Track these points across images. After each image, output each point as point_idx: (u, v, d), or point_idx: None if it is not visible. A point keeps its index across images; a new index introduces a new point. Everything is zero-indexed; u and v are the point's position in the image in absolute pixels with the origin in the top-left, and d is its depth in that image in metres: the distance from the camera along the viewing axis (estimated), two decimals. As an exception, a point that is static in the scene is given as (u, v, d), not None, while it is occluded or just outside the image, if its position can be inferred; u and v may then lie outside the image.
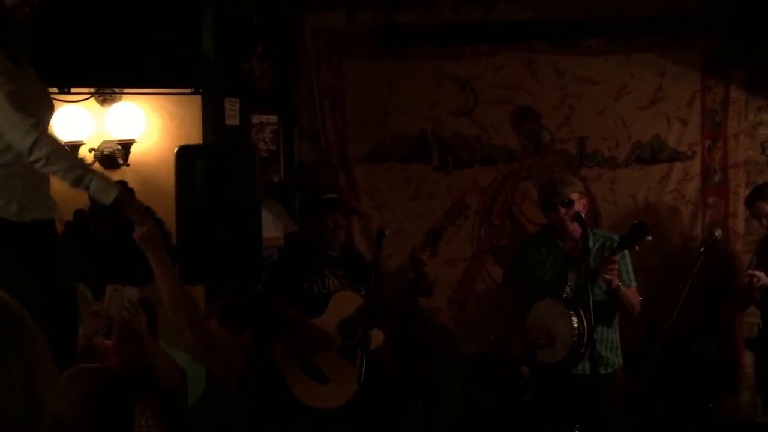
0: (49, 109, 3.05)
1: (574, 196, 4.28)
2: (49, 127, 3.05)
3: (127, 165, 4.88)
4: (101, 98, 4.63)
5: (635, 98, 5.49)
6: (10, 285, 2.72)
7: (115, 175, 4.60)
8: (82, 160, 2.92)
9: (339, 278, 4.27)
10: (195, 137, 4.96)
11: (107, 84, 4.04)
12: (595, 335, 4.06)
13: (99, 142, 4.85)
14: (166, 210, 4.41)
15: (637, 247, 4.19)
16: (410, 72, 5.52)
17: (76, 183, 2.74)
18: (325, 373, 4.08)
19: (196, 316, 2.96)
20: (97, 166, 4.80)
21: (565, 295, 4.21)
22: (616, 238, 4.28)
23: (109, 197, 2.76)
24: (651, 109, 5.49)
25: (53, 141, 2.76)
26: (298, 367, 4.05)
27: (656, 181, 5.51)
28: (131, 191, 4.71)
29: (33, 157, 2.69)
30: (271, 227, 4.86)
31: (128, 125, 4.81)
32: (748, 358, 5.33)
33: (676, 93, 5.47)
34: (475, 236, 5.49)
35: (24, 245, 2.82)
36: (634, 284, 4.34)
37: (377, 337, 4.04)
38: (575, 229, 4.25)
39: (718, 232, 4.82)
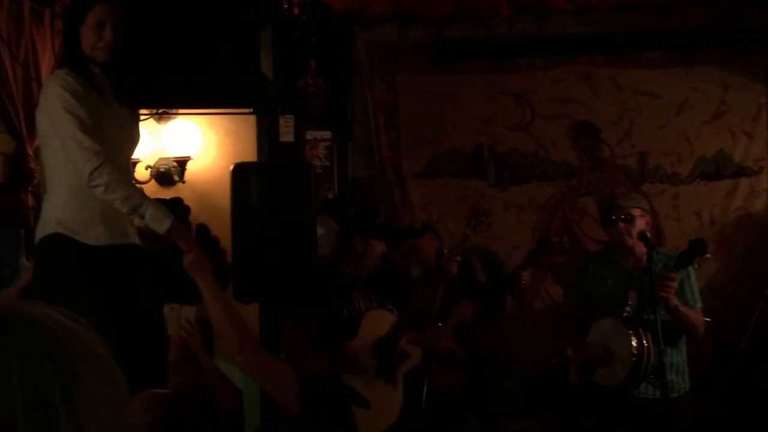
0: (132, 142, 3.17)
1: (636, 212, 4.23)
2: (130, 157, 3.20)
3: (183, 182, 5.02)
4: (158, 116, 4.78)
5: (698, 112, 5.49)
6: (83, 310, 2.86)
7: (171, 192, 4.75)
8: (140, 190, 3.01)
9: (371, 300, 4.29)
10: (250, 154, 5.09)
11: (167, 105, 4.19)
12: (664, 359, 3.99)
13: (155, 159, 5.01)
14: (221, 227, 4.53)
15: (697, 265, 4.13)
16: (464, 86, 5.60)
17: (133, 211, 2.86)
18: (366, 397, 4.06)
19: (247, 342, 3.00)
20: (153, 183, 4.96)
21: (625, 315, 4.15)
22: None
23: (162, 227, 2.86)
24: (714, 123, 5.48)
25: (114, 170, 2.86)
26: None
27: (721, 198, 5.48)
28: (187, 208, 4.87)
29: (93, 183, 2.81)
30: (327, 244, 4.93)
31: (184, 142, 4.96)
32: None
33: (740, 106, 5.46)
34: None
35: (100, 270, 2.92)
36: (699, 305, 4.24)
37: (416, 355, 4.08)
38: (635, 245, 4.22)
39: None
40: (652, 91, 5.50)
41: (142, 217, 2.85)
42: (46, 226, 2.95)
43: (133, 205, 2.85)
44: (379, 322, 4.14)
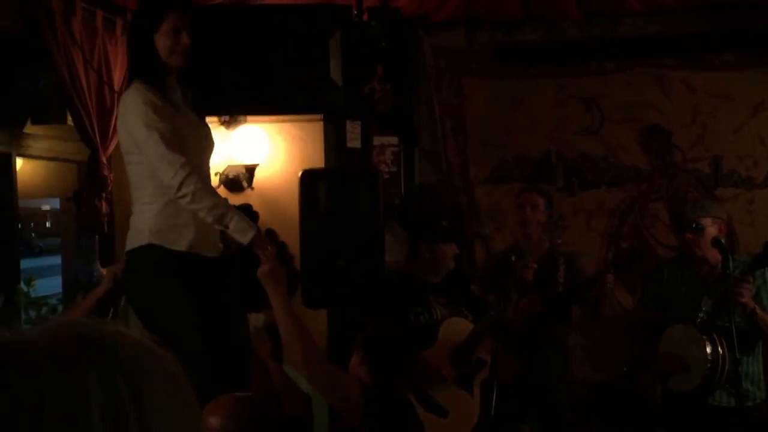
0: (209, 147, 3.30)
1: (706, 221, 4.21)
2: (208, 164, 3.31)
3: (252, 188, 5.15)
4: (226, 123, 4.91)
5: (774, 114, 5.41)
6: (178, 316, 3.00)
7: (240, 199, 4.87)
8: (225, 200, 3.09)
9: (447, 306, 4.35)
10: (317, 160, 5.20)
11: (235, 111, 4.31)
12: (739, 367, 3.94)
13: (224, 166, 5.14)
14: (289, 233, 4.64)
15: None
16: (533, 91, 5.61)
17: (218, 221, 2.97)
18: (444, 406, 4.12)
19: (313, 355, 3.08)
20: (222, 189, 5.09)
21: (698, 321, 4.17)
22: None
23: (246, 238, 2.98)
24: (792, 126, 5.40)
25: (199, 180, 2.98)
26: (416, 403, 4.09)
27: (799, 203, 5.38)
28: (256, 214, 4.99)
29: (180, 194, 2.93)
30: (393, 250, 5.00)
31: (253, 149, 5.09)
32: None
33: None
34: (602, 259, 5.49)
35: (192, 276, 3.05)
36: None
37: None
38: (708, 253, 4.19)
39: None
40: (727, 94, 5.43)
41: (227, 228, 2.96)
42: (138, 237, 3.08)
43: (219, 215, 2.96)
44: (456, 329, 4.21)
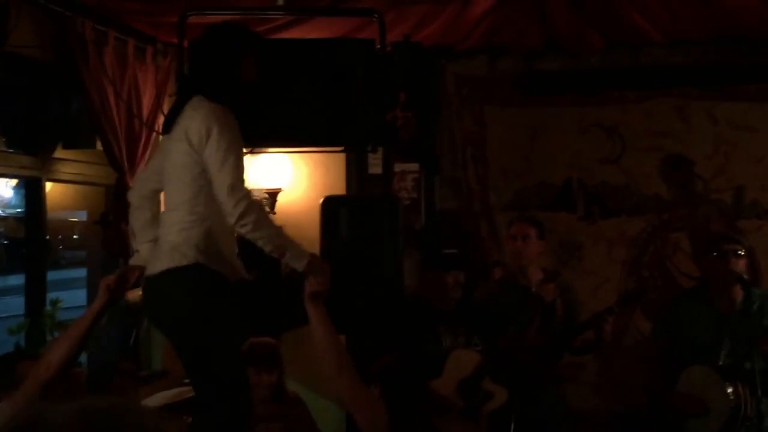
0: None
1: (742, 252, 4.41)
2: None
3: (274, 213, 5.46)
4: (251, 150, 5.24)
5: (797, 146, 5.63)
6: (226, 335, 3.20)
7: (262, 224, 5.17)
8: (281, 228, 3.23)
9: (456, 336, 4.52)
10: (339, 185, 5.52)
11: (262, 145, 4.60)
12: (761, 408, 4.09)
13: (247, 191, 5.47)
14: (310, 258, 4.93)
15: None
16: (554, 119, 5.88)
17: (276, 249, 3.13)
18: None
19: (346, 365, 3.24)
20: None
21: (720, 363, 4.28)
22: None
23: (302, 264, 3.17)
24: (814, 158, 5.62)
25: (261, 208, 3.18)
26: None
27: (821, 235, 5.59)
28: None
29: (242, 222, 3.06)
30: (410, 276, 5.26)
31: (275, 175, 5.42)
32: None
33: None
34: (622, 289, 5.68)
35: (234, 299, 3.23)
36: None
37: (500, 395, 4.24)
38: (732, 286, 4.35)
39: None
40: (749, 125, 5.69)
41: (283, 256, 3.14)
42: (180, 255, 3.17)
43: (278, 245, 3.13)
44: (463, 361, 4.35)
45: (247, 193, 3.11)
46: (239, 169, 3.11)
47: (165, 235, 3.27)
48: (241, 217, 3.06)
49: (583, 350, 4.72)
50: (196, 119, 3.14)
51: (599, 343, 4.61)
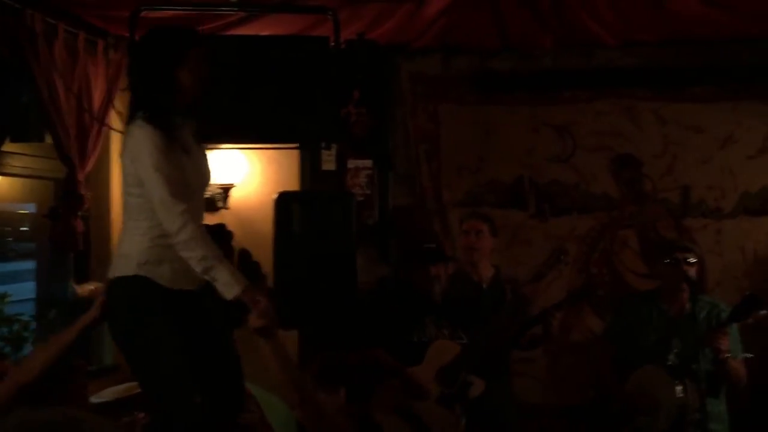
0: (207, 183, 3.49)
1: (693, 260, 4.58)
2: (204, 194, 3.48)
3: (227, 208, 5.51)
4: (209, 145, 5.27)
5: (743, 147, 5.83)
6: (162, 347, 3.17)
7: (215, 218, 5.21)
8: (218, 252, 3.16)
9: (442, 327, 4.66)
10: (292, 181, 5.58)
11: (217, 141, 4.64)
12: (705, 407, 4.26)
13: (200, 186, 5.50)
14: (263, 253, 4.99)
15: (751, 320, 4.37)
16: (507, 118, 5.99)
17: (205, 272, 3.10)
18: (425, 423, 4.43)
19: (306, 397, 3.25)
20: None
21: (669, 363, 4.41)
22: (722, 306, 4.54)
23: (230, 294, 3.08)
24: (760, 159, 5.82)
25: (196, 229, 3.12)
26: (398, 417, 4.40)
27: (766, 234, 5.79)
28: (230, 234, 5.35)
29: (176, 239, 3.10)
30: (366, 271, 5.36)
31: (229, 170, 5.46)
32: None
33: None
34: (572, 286, 5.76)
35: (177, 309, 3.20)
36: (741, 355, 4.53)
37: (478, 385, 4.39)
38: (683, 291, 4.51)
39: None
40: (696, 125, 5.86)
41: (214, 280, 3.09)
42: (126, 266, 3.22)
43: (207, 267, 3.09)
44: (444, 351, 4.53)
45: (183, 211, 3.10)
46: (170, 187, 3.10)
47: (119, 246, 3.35)
48: (176, 234, 3.10)
49: (531, 345, 4.87)
50: (131, 138, 3.20)
51: (547, 338, 4.77)
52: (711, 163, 5.88)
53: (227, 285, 3.10)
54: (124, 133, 3.33)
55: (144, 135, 3.15)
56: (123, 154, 3.27)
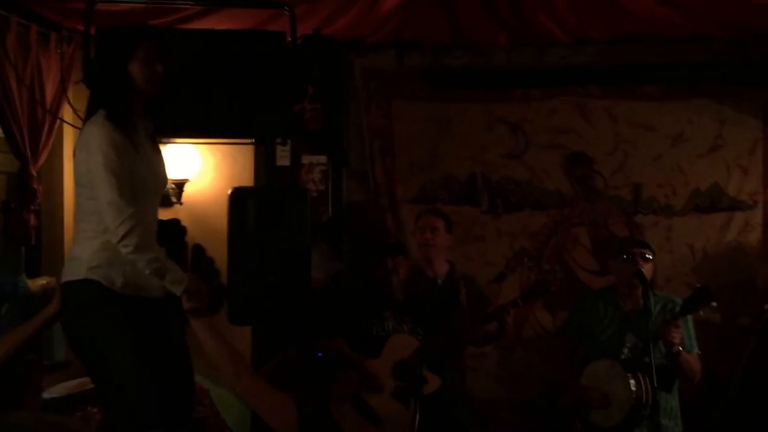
0: (163, 184, 3.52)
1: (650, 256, 4.69)
2: (160, 193, 3.53)
3: (180, 203, 5.54)
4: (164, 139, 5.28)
5: (693, 145, 5.93)
6: (113, 350, 3.20)
7: (169, 213, 5.22)
8: (163, 253, 3.23)
9: (402, 323, 4.75)
10: (247, 177, 5.62)
11: (171, 135, 4.66)
12: (658, 401, 4.27)
13: (153, 181, 5.52)
14: (217, 248, 5.00)
15: (702, 313, 4.53)
16: (460, 114, 6.08)
17: (155, 273, 3.18)
18: (378, 415, 4.53)
19: (243, 368, 3.28)
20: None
21: (623, 357, 4.53)
22: (678, 300, 4.61)
23: (179, 290, 3.19)
24: (710, 157, 5.92)
25: (143, 233, 3.17)
26: (352, 408, 4.52)
27: (715, 231, 5.91)
28: (184, 229, 5.36)
29: (123, 243, 3.13)
30: (319, 268, 5.41)
31: (183, 165, 5.48)
32: None
33: (736, 140, 5.89)
34: (524, 281, 5.85)
35: (128, 313, 3.24)
36: (696, 350, 4.62)
37: (433, 381, 4.46)
38: (637, 288, 4.54)
39: None
40: (647, 124, 5.96)
41: (162, 279, 3.18)
42: (76, 269, 3.25)
43: (156, 268, 3.17)
44: (402, 345, 4.62)
45: (131, 215, 3.14)
46: (119, 188, 3.13)
47: (72, 246, 3.37)
48: (122, 238, 3.13)
49: (487, 341, 4.98)
50: (85, 136, 3.22)
51: (502, 334, 4.85)
52: (662, 161, 5.97)
53: (176, 282, 3.19)
54: (79, 128, 3.37)
55: (100, 133, 3.16)
56: (77, 152, 3.27)
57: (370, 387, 4.55)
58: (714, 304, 4.44)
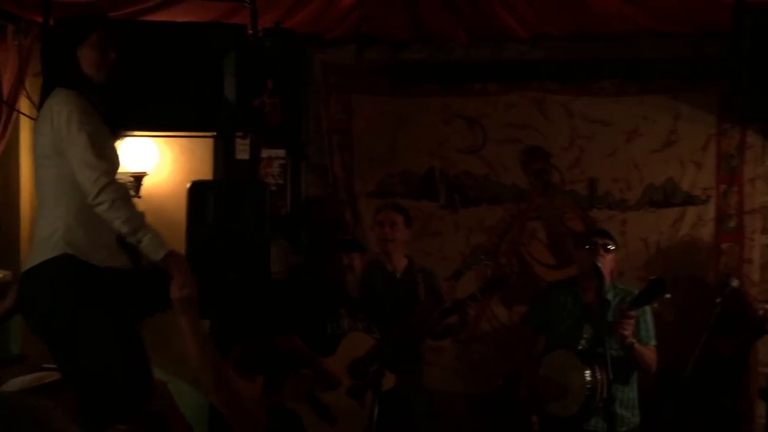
0: (118, 159, 3.50)
1: (612, 246, 4.78)
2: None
3: (139, 197, 5.53)
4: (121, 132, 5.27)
5: (648, 140, 6.02)
6: (94, 327, 3.19)
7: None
8: (142, 214, 3.20)
9: (357, 320, 4.78)
10: (205, 170, 5.64)
11: (130, 128, 4.67)
12: (612, 392, 4.40)
13: (111, 174, 5.52)
14: (175, 242, 5.01)
15: (656, 304, 4.63)
16: (419, 109, 6.13)
17: (131, 233, 3.13)
18: (333, 413, 4.58)
19: (223, 381, 3.21)
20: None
21: (579, 348, 4.60)
22: (636, 292, 4.67)
23: (158, 255, 3.14)
24: (664, 152, 6.00)
25: (121, 188, 3.18)
26: (307, 406, 4.55)
27: (669, 225, 5.99)
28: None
29: (98, 200, 3.10)
30: (279, 262, 5.45)
31: (141, 158, 5.49)
32: (761, 409, 5.72)
33: (690, 136, 5.97)
34: (481, 276, 5.73)
35: (107, 289, 3.23)
36: (653, 342, 4.71)
37: (388, 379, 4.48)
38: (594, 279, 4.63)
39: (735, 282, 5.07)
40: (603, 119, 6.03)
41: (139, 242, 3.13)
42: (51, 247, 3.21)
43: (133, 228, 3.12)
44: (358, 343, 4.66)
45: (106, 171, 3.12)
46: (92, 146, 3.12)
47: (37, 230, 3.33)
48: (97, 194, 3.09)
49: (446, 334, 5.07)
50: (49, 106, 3.23)
51: (464, 327, 4.97)
52: (617, 156, 6.04)
53: (153, 246, 3.13)
54: (34, 119, 3.37)
55: (67, 100, 3.18)
56: (40, 126, 3.26)
57: (324, 385, 4.58)
58: (668, 296, 4.50)
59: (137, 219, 3.18)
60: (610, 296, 4.65)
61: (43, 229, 3.28)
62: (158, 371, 4.91)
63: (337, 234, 5.21)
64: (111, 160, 3.32)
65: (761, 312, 5.10)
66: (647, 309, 4.68)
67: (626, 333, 4.46)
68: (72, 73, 3.29)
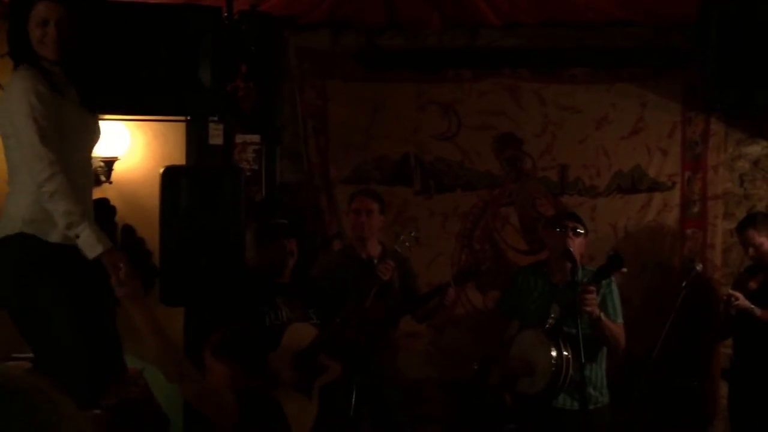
0: (91, 135, 3.32)
1: (581, 230, 4.59)
2: (91, 151, 3.36)
3: (110, 182, 5.14)
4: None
5: (617, 128, 5.84)
6: (51, 305, 3.02)
7: (98, 193, 4.81)
8: (84, 210, 3.05)
9: (294, 309, 4.42)
10: (178, 155, 5.24)
11: (102, 111, 4.33)
12: (582, 370, 4.22)
13: (81, 158, 5.11)
14: (148, 228, 4.68)
15: (613, 278, 4.48)
16: (394, 95, 5.85)
17: (68, 228, 2.97)
18: (283, 409, 4.25)
19: (188, 371, 3.10)
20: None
21: (546, 326, 4.43)
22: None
23: (94, 252, 2.96)
24: (632, 139, 5.84)
25: (64, 182, 2.97)
26: (292, 390, 4.19)
27: (636, 211, 5.84)
28: (113, 209, 4.98)
29: (42, 190, 2.96)
30: (249, 247, 5.09)
31: (112, 143, 5.08)
32: (724, 389, 5.59)
33: (657, 124, 5.83)
34: (455, 261, 5.78)
35: (64, 267, 3.06)
36: (620, 320, 4.55)
37: (334, 369, 4.24)
38: (566, 260, 4.45)
39: (699, 267, 5.08)
40: (574, 106, 5.84)
41: (77, 237, 2.96)
42: (10, 225, 3.09)
43: (70, 222, 2.96)
44: (301, 335, 4.29)
45: (52, 162, 2.97)
46: (41, 135, 2.98)
47: (4, 208, 3.22)
48: (41, 184, 2.97)
49: (426, 318, 4.94)
50: (8, 87, 3.15)
51: (442, 310, 4.81)
52: (587, 143, 5.87)
53: (90, 244, 2.97)
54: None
55: (23, 82, 3.05)
56: (2, 103, 3.14)
57: (271, 380, 4.18)
58: (624, 269, 4.44)
59: (75, 214, 3.00)
60: (579, 277, 4.45)
61: (8, 208, 3.17)
62: (133, 359, 4.54)
63: (270, 219, 4.86)
64: (76, 143, 3.17)
65: (725, 297, 5.07)
66: (614, 288, 4.56)
67: (589, 309, 4.30)
68: (24, 50, 3.14)
